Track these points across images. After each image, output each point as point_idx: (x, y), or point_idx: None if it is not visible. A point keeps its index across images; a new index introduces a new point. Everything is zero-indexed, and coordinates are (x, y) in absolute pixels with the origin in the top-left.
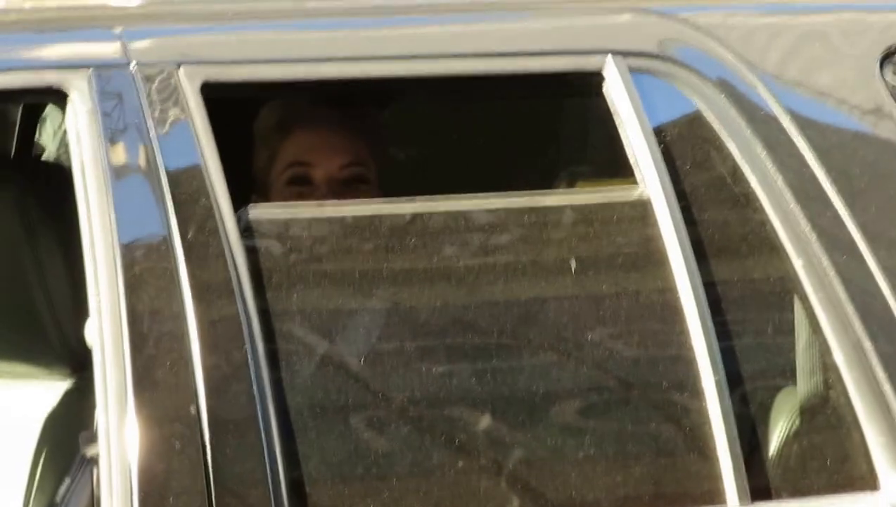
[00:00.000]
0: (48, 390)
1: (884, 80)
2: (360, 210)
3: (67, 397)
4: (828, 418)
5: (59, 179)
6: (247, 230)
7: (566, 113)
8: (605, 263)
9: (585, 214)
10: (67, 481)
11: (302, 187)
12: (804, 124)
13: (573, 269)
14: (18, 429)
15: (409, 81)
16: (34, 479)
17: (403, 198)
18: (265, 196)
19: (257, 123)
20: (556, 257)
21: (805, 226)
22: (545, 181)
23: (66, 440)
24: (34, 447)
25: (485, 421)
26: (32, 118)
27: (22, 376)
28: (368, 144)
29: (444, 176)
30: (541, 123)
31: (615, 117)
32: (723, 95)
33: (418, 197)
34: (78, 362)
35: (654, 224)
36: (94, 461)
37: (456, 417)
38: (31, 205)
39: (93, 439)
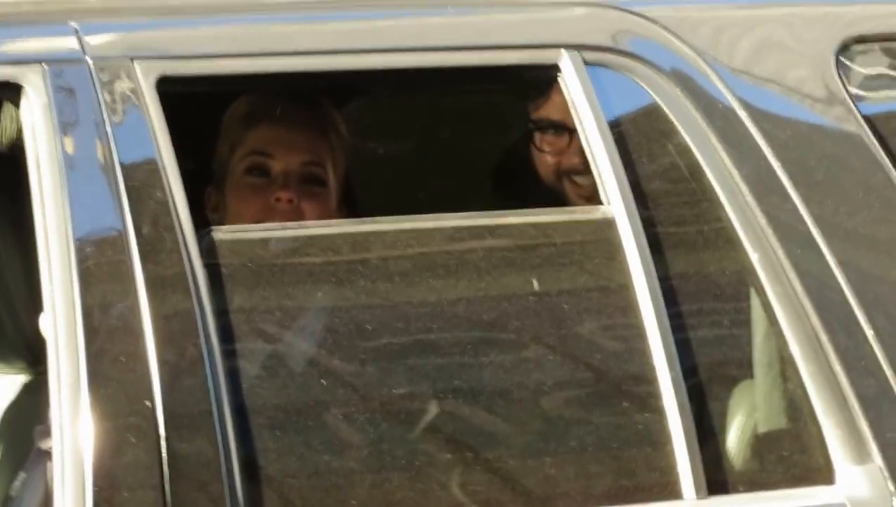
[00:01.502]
0: (5, 384)
1: (839, 72)
2: (318, 229)
3: (24, 391)
4: (784, 412)
5: (13, 172)
6: (203, 232)
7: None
8: (562, 259)
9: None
10: (22, 474)
11: (259, 178)
12: (760, 117)
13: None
14: None
15: (365, 75)
16: None
17: (365, 219)
18: (221, 187)
19: (227, 113)
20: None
21: (761, 219)
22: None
23: (23, 434)
24: None
25: (438, 416)
26: None
27: None
28: (331, 151)
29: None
30: (500, 116)
31: (571, 111)
32: (678, 88)
33: (379, 218)
34: (35, 356)
35: (610, 219)
36: (49, 454)
37: (410, 414)
38: None
39: (48, 432)
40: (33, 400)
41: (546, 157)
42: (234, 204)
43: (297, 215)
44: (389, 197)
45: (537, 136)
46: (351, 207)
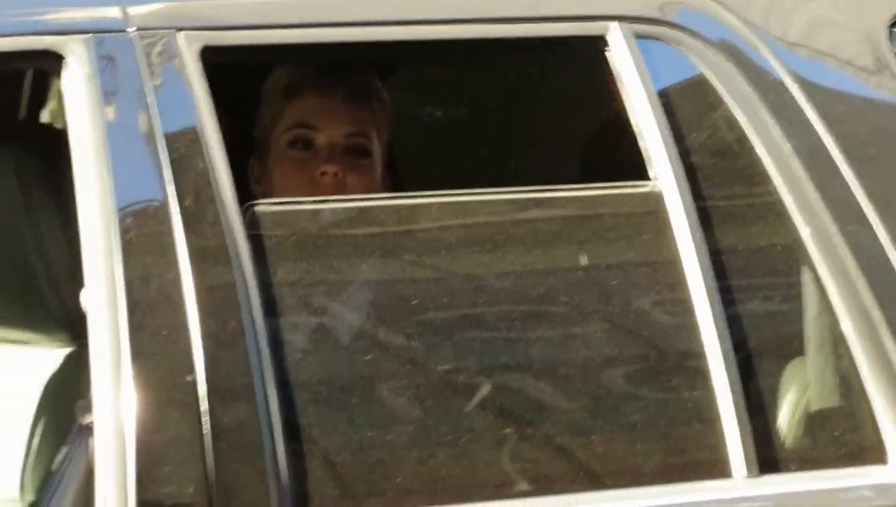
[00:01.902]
0: (48, 357)
1: (893, 45)
2: (362, 202)
3: (67, 365)
4: (837, 390)
5: (57, 144)
6: (246, 204)
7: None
8: (610, 234)
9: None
10: (64, 449)
11: (302, 151)
12: (812, 90)
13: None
14: (17, 396)
15: (412, 46)
16: (31, 447)
17: (411, 193)
18: (264, 160)
19: (267, 84)
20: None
21: (813, 193)
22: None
23: (65, 409)
24: (33, 414)
25: (492, 390)
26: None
27: (21, 342)
28: (374, 121)
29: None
30: (547, 87)
31: (619, 83)
32: (728, 61)
33: (425, 192)
34: (76, 329)
35: (658, 193)
36: (90, 429)
37: (456, 389)
38: (29, 170)
39: (89, 407)
40: (75, 374)
41: None
42: (278, 177)
43: (342, 188)
44: (434, 168)
45: None
46: (394, 175)
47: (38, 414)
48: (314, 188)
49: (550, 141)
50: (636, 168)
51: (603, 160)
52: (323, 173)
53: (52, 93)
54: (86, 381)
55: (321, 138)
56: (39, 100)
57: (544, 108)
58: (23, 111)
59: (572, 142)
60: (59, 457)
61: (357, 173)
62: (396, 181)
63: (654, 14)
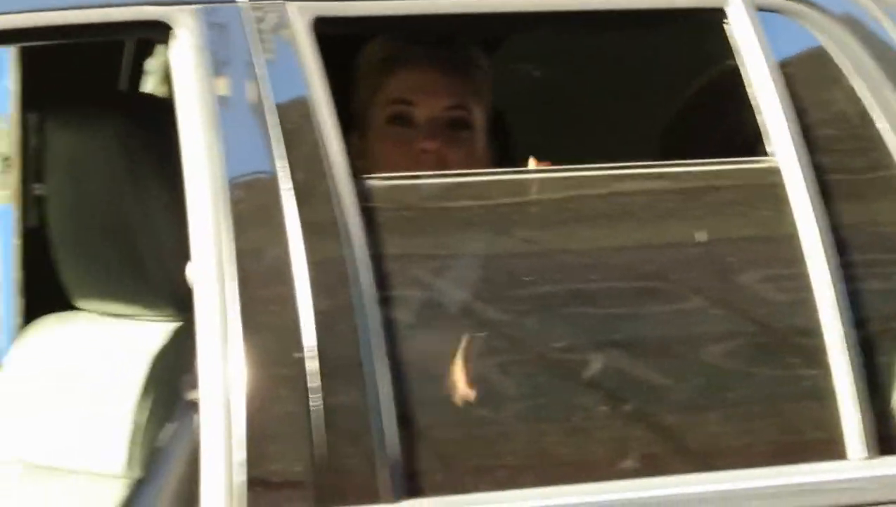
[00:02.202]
0: (154, 331)
1: None
2: (475, 176)
3: (173, 339)
4: None
5: (164, 114)
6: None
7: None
8: (727, 210)
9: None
10: (171, 424)
11: (402, 127)
12: None
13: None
14: (123, 371)
15: (527, 16)
16: (137, 423)
17: (524, 168)
18: (364, 134)
19: (362, 57)
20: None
21: None
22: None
23: (171, 384)
24: (139, 387)
25: (607, 367)
26: (143, 53)
27: (127, 315)
28: (474, 90)
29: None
30: (661, 58)
31: (737, 56)
32: (850, 33)
33: (536, 168)
34: (183, 303)
35: (776, 169)
36: (196, 405)
37: (568, 366)
38: (135, 141)
39: (195, 383)
40: (181, 349)
41: None
42: (378, 153)
43: (443, 164)
44: (544, 138)
45: None
46: (504, 140)
47: (143, 390)
48: (414, 165)
49: (661, 115)
50: (748, 144)
51: (710, 136)
52: (423, 150)
53: (156, 63)
54: (192, 356)
55: (420, 114)
56: (141, 69)
57: (659, 81)
58: (124, 81)
59: (684, 116)
60: (166, 433)
61: (458, 147)
62: (505, 147)
63: None
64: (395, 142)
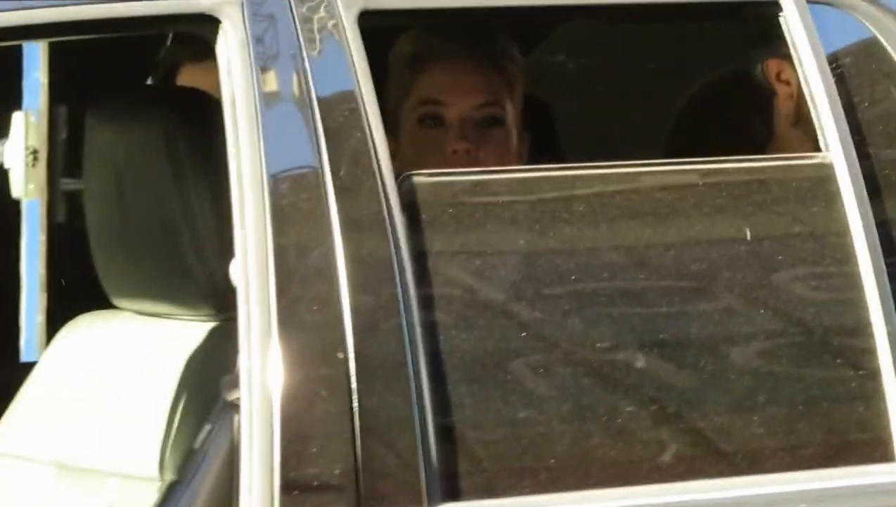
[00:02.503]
0: (192, 330)
1: None
2: (521, 173)
3: (211, 339)
4: None
5: (207, 109)
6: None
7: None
8: (778, 208)
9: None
10: (207, 426)
11: (433, 129)
12: None
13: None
14: (160, 370)
15: (580, 8)
16: (173, 422)
17: (569, 164)
18: (395, 134)
19: (390, 57)
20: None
21: None
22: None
23: (208, 384)
24: (175, 388)
25: (650, 368)
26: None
27: (165, 314)
28: (506, 84)
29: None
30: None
31: (791, 49)
32: None
33: (582, 164)
34: (223, 302)
35: (828, 165)
36: (235, 406)
37: (612, 367)
38: (178, 137)
39: (235, 383)
40: (219, 349)
41: (786, 88)
42: (411, 154)
43: (476, 163)
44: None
45: (774, 66)
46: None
47: (180, 390)
48: (446, 167)
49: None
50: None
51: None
52: (454, 151)
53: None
54: (231, 356)
55: (451, 113)
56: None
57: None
58: (160, 74)
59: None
60: (202, 435)
61: (490, 145)
62: (550, 139)
63: None
64: (426, 143)
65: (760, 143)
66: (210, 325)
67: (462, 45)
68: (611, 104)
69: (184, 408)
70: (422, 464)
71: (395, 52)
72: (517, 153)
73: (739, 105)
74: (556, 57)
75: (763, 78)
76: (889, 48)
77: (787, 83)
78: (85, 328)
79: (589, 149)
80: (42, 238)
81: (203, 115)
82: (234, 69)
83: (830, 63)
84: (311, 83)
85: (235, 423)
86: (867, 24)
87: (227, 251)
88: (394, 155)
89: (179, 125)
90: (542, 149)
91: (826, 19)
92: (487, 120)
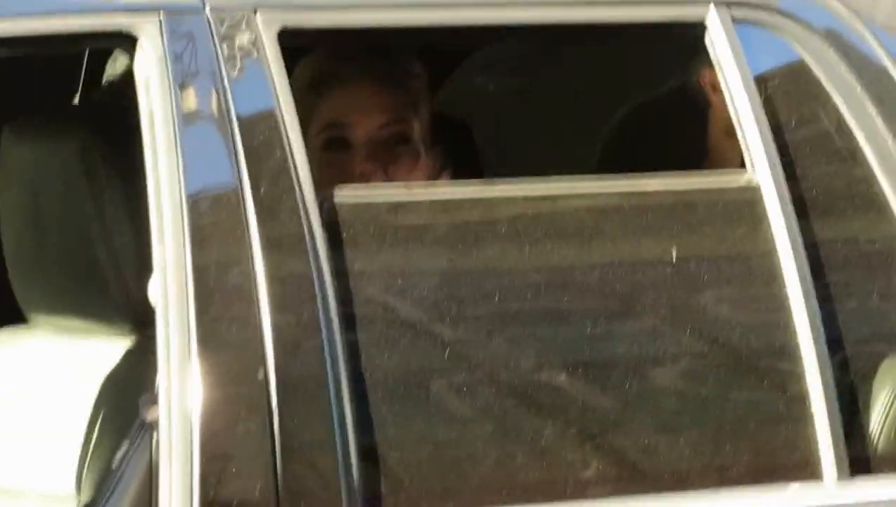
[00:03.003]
0: (110, 348)
1: None
2: (445, 193)
3: (129, 357)
4: None
5: (126, 126)
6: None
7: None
8: (703, 228)
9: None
10: (125, 445)
11: (339, 153)
12: None
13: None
14: (77, 389)
15: (505, 29)
16: (90, 442)
17: (493, 180)
18: None
19: (293, 78)
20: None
21: None
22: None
23: (126, 403)
24: (93, 407)
25: (575, 388)
26: (100, 62)
27: (82, 331)
28: (410, 101)
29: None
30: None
31: (717, 70)
32: (831, 48)
33: (507, 180)
34: (142, 320)
35: (755, 186)
36: (153, 425)
37: (536, 387)
38: (95, 154)
39: (153, 402)
40: (138, 367)
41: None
42: (318, 178)
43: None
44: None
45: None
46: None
47: (97, 408)
48: None
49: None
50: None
51: (692, 151)
52: (362, 173)
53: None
54: (149, 375)
55: (356, 136)
56: (99, 80)
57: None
58: (80, 92)
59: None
60: (120, 454)
61: (398, 163)
62: (471, 158)
63: None
64: (333, 168)
65: (696, 157)
66: (129, 342)
67: (362, 66)
68: (537, 125)
69: (101, 427)
70: (343, 484)
71: (296, 76)
72: (426, 169)
73: (674, 122)
74: (481, 77)
75: (698, 89)
76: (816, 69)
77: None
78: (0, 345)
79: (514, 171)
80: None
81: (122, 132)
82: (152, 87)
83: (758, 84)
84: (230, 101)
85: (154, 442)
86: (795, 44)
87: (146, 269)
88: None
89: (97, 142)
90: (462, 169)
91: (753, 40)
92: (394, 138)
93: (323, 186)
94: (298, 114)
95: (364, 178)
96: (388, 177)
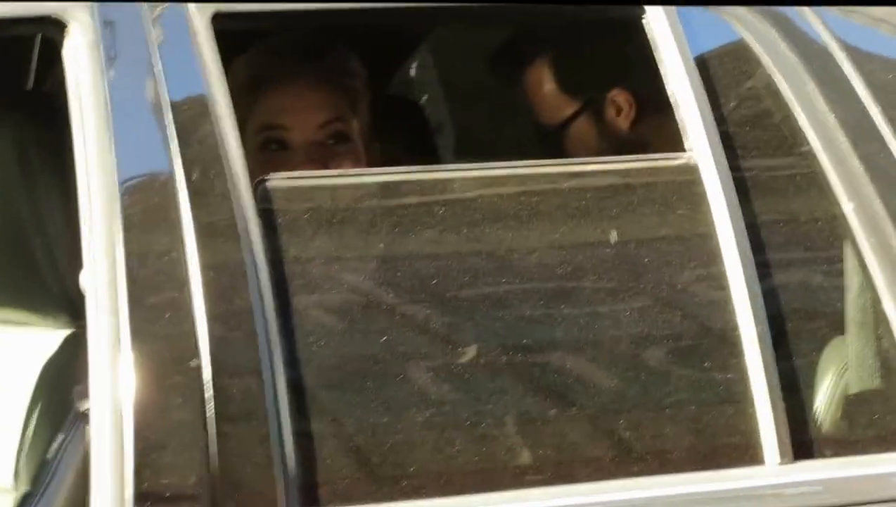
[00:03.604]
0: (46, 339)
1: None
2: (379, 176)
3: (65, 348)
4: (878, 372)
5: (61, 114)
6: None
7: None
8: (642, 208)
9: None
10: (61, 436)
11: (277, 153)
12: (859, 57)
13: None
14: (12, 380)
15: (432, 11)
16: (27, 432)
17: (430, 166)
18: None
19: (228, 77)
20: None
21: (858, 167)
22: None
23: (62, 394)
24: (28, 399)
25: (514, 373)
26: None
27: (18, 323)
28: (347, 99)
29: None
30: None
31: (654, 50)
32: (772, 26)
33: (443, 165)
34: (76, 310)
35: (693, 166)
36: (88, 416)
37: (476, 372)
38: (29, 143)
39: (87, 393)
40: (73, 358)
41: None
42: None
43: None
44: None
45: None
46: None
47: (33, 400)
48: None
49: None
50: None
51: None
52: None
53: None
54: (85, 365)
55: (295, 136)
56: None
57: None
58: (30, 80)
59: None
60: (55, 445)
61: (338, 162)
62: (425, 140)
63: None
64: (271, 168)
65: None
66: (65, 333)
67: (299, 66)
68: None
69: (37, 418)
70: (279, 473)
71: (233, 75)
72: (367, 165)
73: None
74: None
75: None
76: (755, 46)
77: (619, 108)
78: None
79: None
80: None
81: (55, 120)
82: (82, 73)
83: (698, 64)
84: (162, 87)
85: (88, 433)
86: (735, 24)
87: (81, 259)
88: None
89: (30, 131)
90: (413, 148)
91: (693, 20)
92: (332, 138)
93: None
94: (235, 112)
95: None
96: None
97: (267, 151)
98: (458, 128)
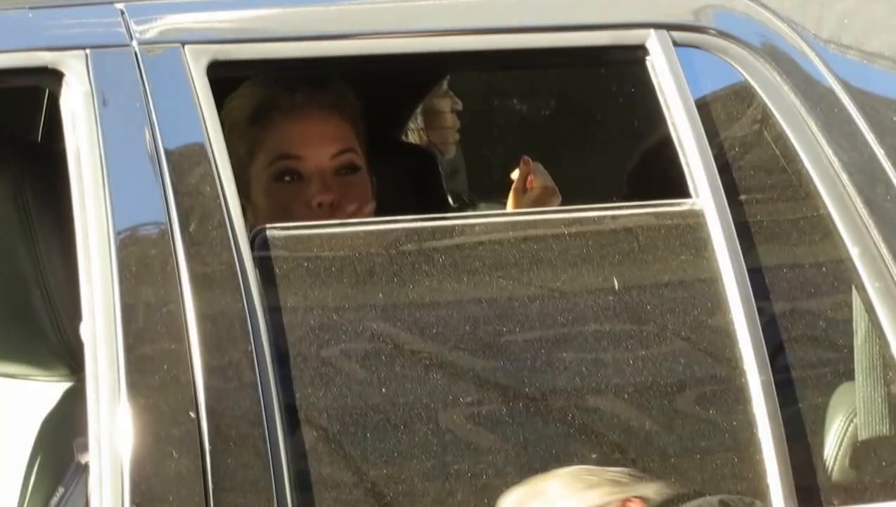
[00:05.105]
0: (46, 391)
1: None
2: (379, 225)
3: (66, 400)
4: (886, 417)
5: (59, 165)
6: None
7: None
8: (647, 255)
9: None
10: (61, 489)
11: (292, 183)
12: (864, 99)
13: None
14: (14, 431)
15: (444, 56)
16: (28, 485)
17: (433, 215)
18: (245, 192)
19: (228, 111)
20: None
21: (863, 211)
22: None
23: (63, 445)
24: (30, 450)
25: (516, 422)
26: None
27: (18, 375)
28: (353, 129)
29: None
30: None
31: (658, 94)
32: (774, 69)
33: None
34: (77, 362)
35: (698, 211)
36: (88, 468)
37: (477, 422)
38: (28, 193)
39: (87, 445)
40: (74, 410)
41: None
42: (270, 210)
43: (339, 212)
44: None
45: None
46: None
47: (34, 452)
48: (310, 219)
49: (597, 153)
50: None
51: (652, 177)
52: (319, 204)
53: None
54: (85, 417)
55: (308, 166)
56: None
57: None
58: (39, 132)
59: (617, 154)
60: (56, 498)
61: (351, 192)
62: (437, 189)
63: (694, 20)
64: (285, 199)
65: None
66: (65, 385)
67: (305, 95)
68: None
69: (38, 471)
70: None
71: (234, 107)
72: (372, 195)
73: None
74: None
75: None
76: (759, 90)
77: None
78: None
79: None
80: None
81: (54, 171)
82: (78, 123)
83: (699, 107)
84: (158, 136)
85: (89, 485)
86: (736, 66)
87: (80, 310)
88: (243, 212)
89: (29, 182)
90: (427, 196)
91: (695, 63)
92: (345, 167)
93: (275, 217)
94: (239, 145)
95: (321, 208)
96: (343, 206)
97: (281, 181)
98: (472, 172)
